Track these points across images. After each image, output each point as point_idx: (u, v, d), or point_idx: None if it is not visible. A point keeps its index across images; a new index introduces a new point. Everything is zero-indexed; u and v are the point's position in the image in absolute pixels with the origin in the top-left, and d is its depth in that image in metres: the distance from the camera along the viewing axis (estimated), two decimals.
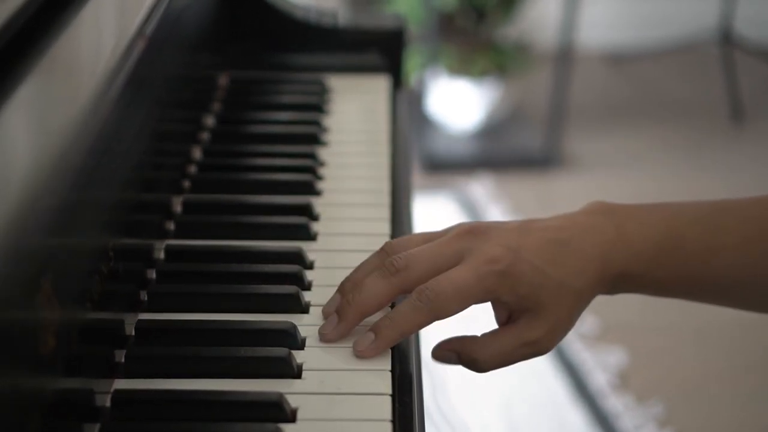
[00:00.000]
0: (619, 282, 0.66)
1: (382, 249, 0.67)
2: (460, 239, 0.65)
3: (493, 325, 0.67)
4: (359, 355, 0.63)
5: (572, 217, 0.67)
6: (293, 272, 0.71)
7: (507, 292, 0.64)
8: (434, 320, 0.63)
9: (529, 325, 0.65)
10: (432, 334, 0.68)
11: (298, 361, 0.62)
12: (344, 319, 0.64)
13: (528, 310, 0.64)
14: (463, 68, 2.51)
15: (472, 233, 0.65)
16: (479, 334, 0.66)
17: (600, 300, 0.70)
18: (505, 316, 0.66)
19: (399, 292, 0.64)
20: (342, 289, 0.66)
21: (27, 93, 0.54)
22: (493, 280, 0.63)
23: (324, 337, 0.64)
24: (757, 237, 0.64)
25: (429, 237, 0.67)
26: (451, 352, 0.66)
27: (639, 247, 0.65)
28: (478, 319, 0.70)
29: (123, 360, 0.62)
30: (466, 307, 0.64)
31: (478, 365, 0.66)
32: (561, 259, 0.64)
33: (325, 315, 0.66)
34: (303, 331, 0.65)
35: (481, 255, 0.63)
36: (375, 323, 0.63)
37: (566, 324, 0.66)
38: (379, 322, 0.63)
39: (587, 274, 0.65)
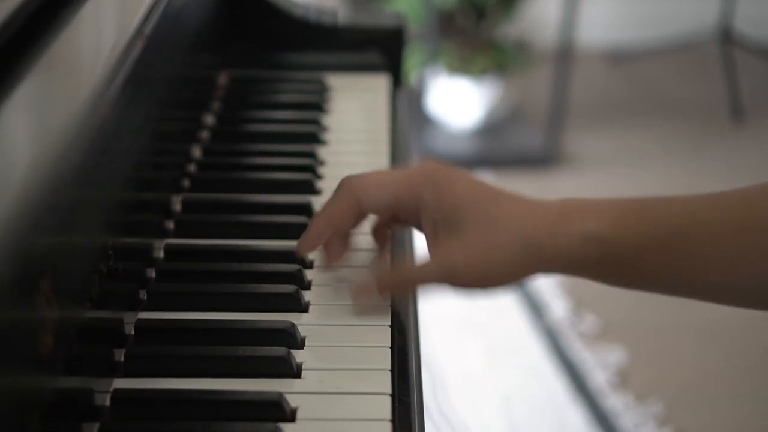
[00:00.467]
0: (585, 248, 0.61)
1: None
2: (418, 174, 0.66)
3: (495, 316, 0.67)
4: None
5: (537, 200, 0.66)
6: (292, 271, 0.71)
7: (429, 192, 0.63)
8: (355, 203, 0.66)
9: (449, 241, 0.62)
10: (433, 335, 0.68)
11: (298, 360, 0.62)
12: (311, 225, 0.68)
13: (450, 223, 0.62)
14: (463, 67, 2.51)
15: (425, 159, 0.67)
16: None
17: (600, 299, 0.69)
18: (431, 235, 0.64)
19: (355, 203, 0.66)
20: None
21: (26, 92, 0.54)
22: (419, 177, 0.64)
23: (298, 248, 0.69)
24: (732, 225, 0.62)
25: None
26: (371, 276, 0.67)
27: (607, 212, 0.62)
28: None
29: (122, 359, 0.62)
30: (389, 199, 0.65)
31: (397, 279, 0.66)
32: (507, 201, 0.63)
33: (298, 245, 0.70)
34: (302, 331, 0.65)
35: (417, 165, 0.65)
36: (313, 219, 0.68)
37: (501, 261, 0.62)
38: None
39: (538, 222, 0.62)
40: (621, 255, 0.62)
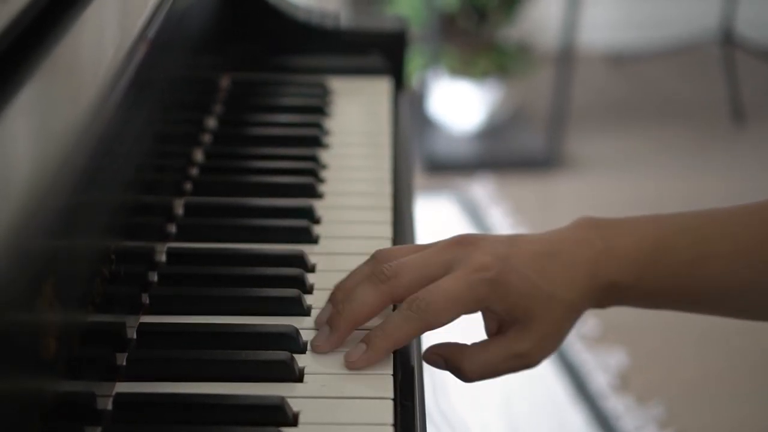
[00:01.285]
0: (609, 294, 0.65)
1: (372, 257, 0.67)
2: (449, 248, 0.65)
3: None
4: (351, 366, 0.62)
5: (560, 232, 0.67)
6: (295, 275, 0.71)
7: (497, 301, 0.64)
8: (425, 330, 0.63)
9: (518, 337, 0.64)
10: (434, 337, 0.69)
11: (300, 364, 0.62)
12: (335, 329, 0.64)
13: (517, 320, 0.64)
14: (464, 69, 2.51)
15: (461, 243, 0.65)
16: (470, 343, 0.66)
17: None
18: (495, 327, 0.66)
19: (389, 301, 0.64)
20: (333, 298, 0.66)
21: (30, 95, 0.54)
22: (484, 288, 0.63)
23: (316, 349, 0.64)
24: (745, 246, 0.64)
25: (419, 248, 0.67)
26: (440, 357, 0.66)
27: (628, 257, 0.65)
28: (478, 322, 0.70)
29: (125, 363, 0.62)
30: (457, 317, 0.63)
31: (464, 375, 0.65)
32: (551, 270, 0.64)
33: (318, 325, 0.66)
34: (305, 335, 0.65)
35: (471, 263, 0.63)
36: (367, 334, 0.63)
37: (556, 337, 0.65)
38: (371, 333, 0.63)
39: (577, 286, 0.64)
40: (637, 296, 0.66)
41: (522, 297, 0.63)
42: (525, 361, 0.65)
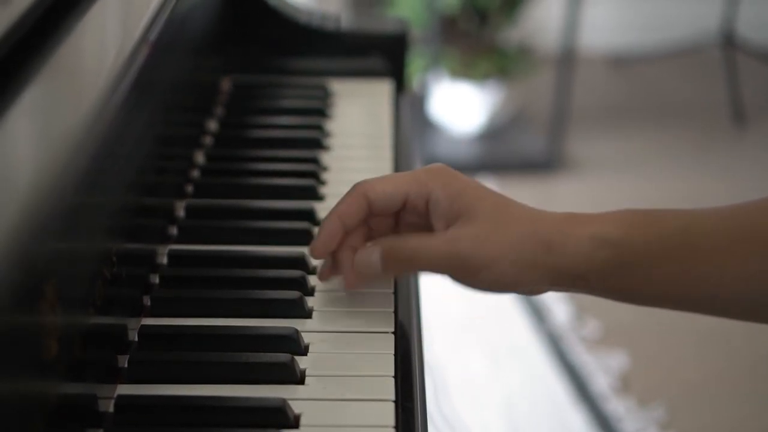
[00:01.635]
0: (596, 251, 0.61)
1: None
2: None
3: (497, 320, 0.66)
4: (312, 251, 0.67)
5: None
6: (296, 277, 0.71)
7: (438, 186, 0.63)
8: (363, 200, 0.65)
9: (457, 225, 0.62)
10: (435, 339, 0.68)
11: (301, 366, 0.62)
12: (321, 227, 0.67)
13: (459, 214, 0.63)
14: (465, 71, 2.51)
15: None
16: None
17: (601, 303, 0.68)
18: (441, 229, 0.64)
19: (357, 196, 0.66)
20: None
21: (32, 98, 0.54)
22: (425, 174, 0.64)
23: (312, 251, 0.68)
24: (739, 225, 0.61)
25: None
26: (375, 246, 0.65)
27: (615, 217, 0.62)
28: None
29: (126, 365, 0.62)
30: (396, 195, 0.65)
31: (402, 251, 0.64)
32: (513, 202, 0.64)
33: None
34: (306, 337, 0.65)
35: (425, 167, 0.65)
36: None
37: (507, 250, 0.61)
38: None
39: (548, 218, 0.63)
40: (628, 261, 0.62)
41: (466, 191, 0.63)
42: (462, 249, 0.62)
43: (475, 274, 0.62)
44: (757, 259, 0.60)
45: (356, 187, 0.67)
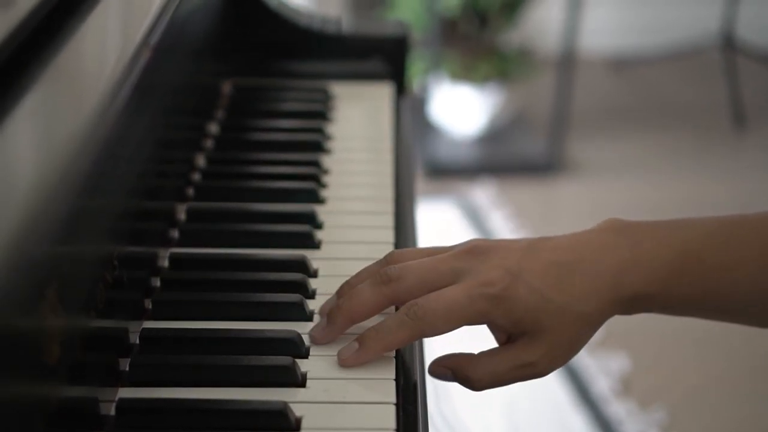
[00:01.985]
0: (634, 304, 0.64)
1: (384, 258, 0.67)
2: (459, 257, 0.64)
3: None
4: (342, 363, 0.62)
5: (585, 236, 0.65)
6: (297, 280, 0.71)
7: (500, 316, 0.62)
8: (420, 337, 0.63)
9: (525, 347, 0.63)
10: (437, 344, 0.69)
11: (303, 369, 0.62)
12: (332, 322, 0.64)
13: (525, 333, 0.63)
14: (465, 74, 2.51)
15: (473, 252, 0.64)
16: (477, 352, 0.65)
17: None
18: (504, 338, 0.65)
19: (389, 303, 0.64)
20: (339, 291, 0.67)
21: (33, 102, 0.54)
22: (485, 303, 0.62)
23: (313, 339, 0.64)
24: None
25: (433, 251, 0.66)
26: (446, 369, 0.65)
27: (655, 267, 0.63)
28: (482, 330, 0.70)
29: (127, 368, 0.62)
30: (454, 328, 0.63)
31: (472, 384, 0.64)
32: (567, 282, 0.62)
33: (320, 314, 0.66)
34: (307, 340, 0.65)
35: (478, 276, 0.62)
36: (361, 334, 0.63)
37: (568, 347, 0.64)
38: (365, 333, 0.63)
39: (597, 297, 0.63)
40: (664, 305, 0.64)
41: (529, 311, 0.62)
42: (533, 371, 0.64)
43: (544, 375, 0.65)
44: None
45: (411, 319, 0.62)
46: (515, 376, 0.64)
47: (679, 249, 0.63)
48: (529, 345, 0.63)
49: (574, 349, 0.64)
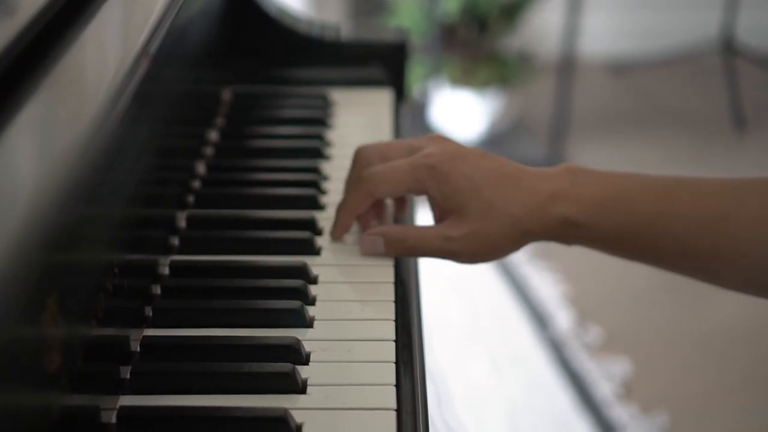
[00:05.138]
0: (564, 229, 0.70)
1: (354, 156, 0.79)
2: (418, 139, 0.76)
3: (499, 327, 0.69)
4: (333, 237, 0.78)
5: (538, 169, 0.73)
6: (297, 287, 0.71)
7: (434, 186, 0.72)
8: (366, 198, 0.75)
9: (450, 224, 0.72)
10: (437, 346, 0.69)
11: (303, 376, 0.62)
12: (335, 223, 0.78)
13: (452, 210, 0.72)
14: (465, 79, 2.52)
15: (432, 138, 0.75)
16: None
17: (604, 310, 0.70)
18: (438, 215, 0.74)
19: (361, 193, 0.76)
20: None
21: (33, 111, 0.54)
22: (424, 171, 0.72)
23: (331, 236, 0.78)
24: (709, 214, 0.67)
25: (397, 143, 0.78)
26: (378, 234, 0.74)
27: (586, 200, 0.69)
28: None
29: (128, 376, 0.62)
30: (396, 191, 0.74)
31: (400, 243, 0.73)
32: (502, 185, 0.71)
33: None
34: (307, 346, 0.65)
35: (424, 151, 0.73)
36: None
37: (490, 242, 0.71)
38: (336, 210, 0.78)
39: (526, 208, 0.70)
40: (596, 238, 0.70)
41: (458, 191, 0.71)
42: (454, 247, 0.71)
43: (465, 263, 0.73)
44: (729, 238, 0.66)
45: (361, 185, 0.75)
46: (437, 246, 0.72)
47: (615, 191, 0.69)
48: (454, 223, 0.72)
49: (498, 248, 0.72)
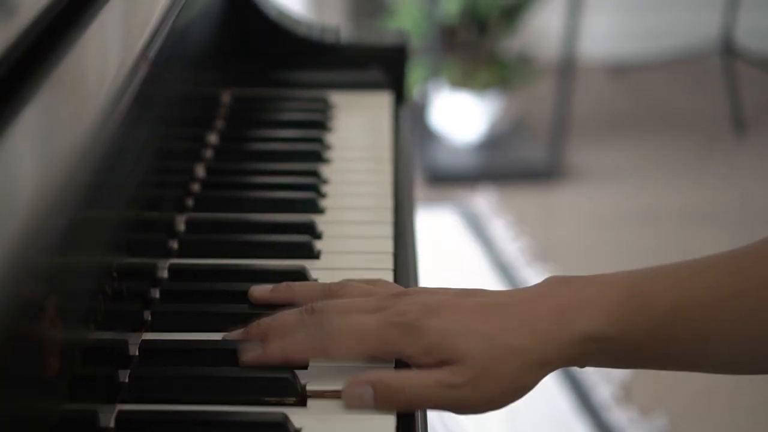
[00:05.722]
0: (585, 349, 0.60)
1: (330, 285, 0.67)
2: (385, 299, 0.62)
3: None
4: (242, 361, 0.61)
5: (524, 288, 0.63)
6: None
7: (410, 344, 0.59)
8: (321, 354, 0.61)
9: (450, 370, 0.59)
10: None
11: (302, 381, 0.62)
12: (266, 355, 0.62)
13: (444, 361, 0.59)
14: (465, 81, 2.51)
15: (398, 296, 0.62)
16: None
17: None
18: (423, 366, 0.60)
19: (313, 342, 0.61)
20: (276, 288, 0.68)
21: (33, 113, 0.54)
22: (394, 330, 0.59)
23: (242, 356, 0.62)
24: (725, 295, 0.60)
25: (372, 291, 0.65)
26: (366, 383, 0.60)
27: (601, 307, 0.60)
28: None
29: (127, 380, 0.62)
30: (359, 354, 0.61)
31: (399, 394, 0.59)
32: (496, 317, 0.60)
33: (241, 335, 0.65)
34: None
35: (393, 308, 0.60)
36: (268, 332, 0.62)
37: (501, 384, 0.59)
38: (271, 334, 0.62)
39: (533, 334, 0.59)
40: (621, 348, 0.61)
41: (446, 336, 0.59)
42: (459, 394, 0.59)
43: (471, 412, 0.61)
44: (747, 312, 0.59)
45: (316, 336, 0.61)
46: (439, 395, 0.59)
47: (625, 289, 0.60)
48: (453, 368, 0.59)
49: (511, 389, 0.60)
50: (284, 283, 0.68)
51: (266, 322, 0.64)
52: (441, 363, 0.59)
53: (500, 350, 0.59)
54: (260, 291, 0.68)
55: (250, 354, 0.62)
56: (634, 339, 0.60)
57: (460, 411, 0.60)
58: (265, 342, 0.62)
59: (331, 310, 0.62)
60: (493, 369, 0.59)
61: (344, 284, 0.67)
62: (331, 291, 0.66)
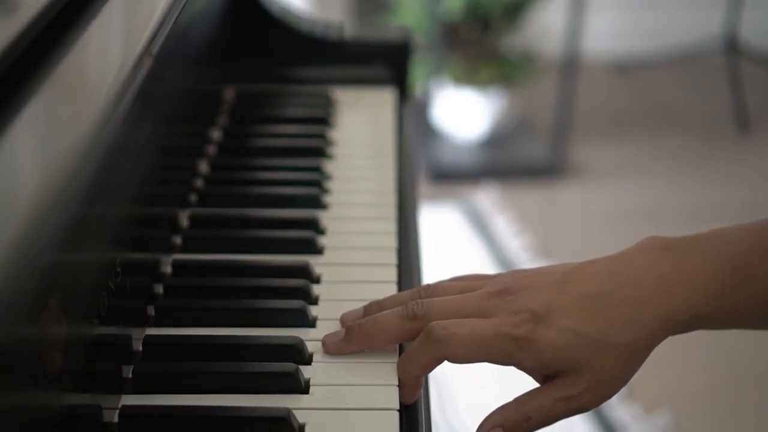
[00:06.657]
0: (692, 323, 0.62)
1: (418, 289, 0.67)
2: (486, 298, 0.62)
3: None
4: (325, 348, 0.64)
5: (622, 259, 0.63)
6: (300, 286, 0.71)
7: (527, 359, 0.61)
8: (440, 360, 0.61)
9: (565, 383, 0.61)
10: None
11: (306, 376, 0.62)
12: (348, 339, 0.64)
13: (561, 371, 0.61)
14: (468, 78, 2.51)
15: (501, 294, 0.62)
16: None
17: None
18: (541, 378, 0.63)
19: (410, 338, 0.63)
20: (367, 308, 0.66)
21: (35, 111, 0.54)
22: (510, 343, 0.60)
23: (325, 347, 0.64)
24: None
25: (467, 287, 0.65)
26: (495, 425, 0.62)
27: (705, 285, 0.61)
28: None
29: (130, 375, 0.62)
30: (476, 359, 0.61)
31: (526, 422, 0.62)
32: (603, 313, 0.61)
33: (341, 322, 0.66)
34: (310, 346, 0.65)
35: (505, 316, 0.61)
36: (369, 342, 0.64)
37: (614, 379, 0.61)
38: (372, 341, 0.64)
39: (639, 325, 0.61)
40: (718, 321, 0.63)
41: (560, 350, 0.60)
42: (578, 403, 0.62)
43: (592, 408, 0.63)
44: None
45: (435, 347, 0.61)
46: (562, 408, 0.62)
47: (726, 264, 0.61)
48: (568, 380, 0.61)
49: (623, 379, 0.62)
50: (373, 302, 0.67)
51: (367, 328, 0.64)
52: (557, 373, 0.61)
53: (611, 351, 0.61)
54: (335, 339, 0.65)
55: (336, 344, 0.64)
56: (733, 311, 0.61)
57: (580, 413, 0.63)
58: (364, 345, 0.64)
59: (435, 315, 0.62)
60: (607, 371, 0.61)
61: (437, 286, 0.66)
62: (426, 293, 0.65)
